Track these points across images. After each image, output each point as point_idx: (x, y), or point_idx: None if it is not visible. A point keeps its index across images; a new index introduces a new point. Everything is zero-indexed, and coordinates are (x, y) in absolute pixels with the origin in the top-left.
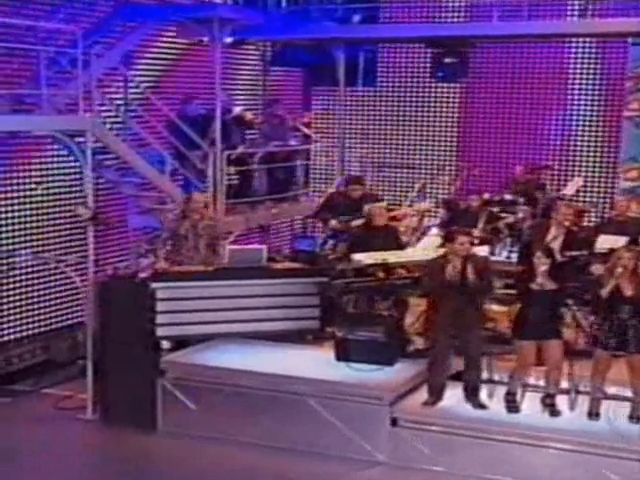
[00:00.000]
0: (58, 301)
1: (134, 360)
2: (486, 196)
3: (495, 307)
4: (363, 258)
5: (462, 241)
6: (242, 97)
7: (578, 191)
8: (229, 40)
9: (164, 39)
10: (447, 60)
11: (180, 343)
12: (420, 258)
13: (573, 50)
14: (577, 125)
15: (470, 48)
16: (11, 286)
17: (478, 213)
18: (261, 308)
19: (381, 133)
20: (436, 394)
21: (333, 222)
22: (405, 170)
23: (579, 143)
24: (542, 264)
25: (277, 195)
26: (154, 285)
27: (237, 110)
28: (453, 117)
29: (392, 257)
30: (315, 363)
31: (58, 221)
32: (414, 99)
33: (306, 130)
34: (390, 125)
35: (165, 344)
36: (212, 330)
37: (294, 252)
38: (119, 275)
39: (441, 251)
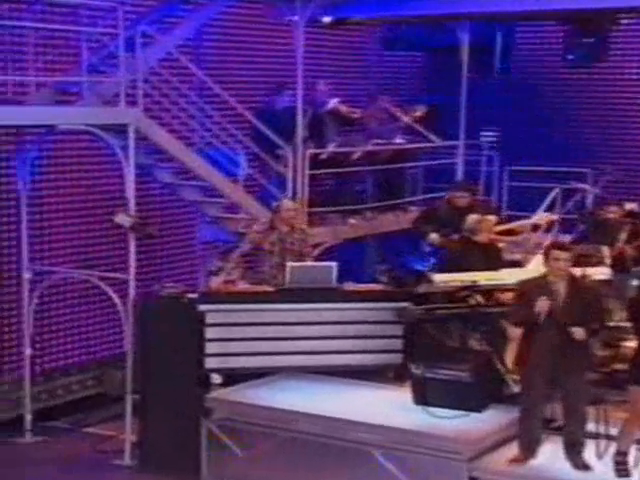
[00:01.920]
0: (111, 324)
1: (178, 396)
2: (630, 206)
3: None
4: (446, 279)
5: (556, 256)
6: (347, 87)
7: None
8: (327, 20)
9: (237, 18)
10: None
11: (232, 377)
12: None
13: None
14: None
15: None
16: (59, 307)
17: (618, 226)
18: (330, 338)
19: (512, 130)
20: (529, 449)
21: (433, 235)
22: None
23: None
24: None
25: (379, 203)
26: (203, 307)
27: (333, 103)
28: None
29: (483, 278)
30: (390, 406)
31: (107, 232)
32: (547, 87)
33: (417, 126)
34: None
35: (215, 378)
36: (271, 363)
37: (405, 272)
38: (162, 295)
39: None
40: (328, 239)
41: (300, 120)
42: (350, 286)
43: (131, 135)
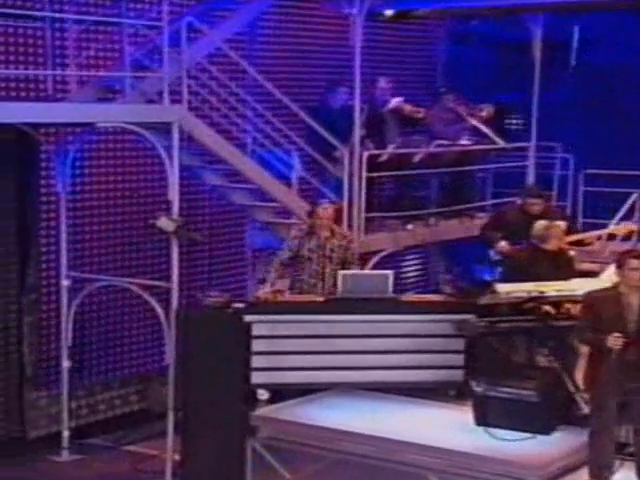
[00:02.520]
0: (155, 335)
1: (222, 413)
2: None
3: None
4: (512, 289)
5: (632, 266)
6: (409, 85)
7: None
8: (389, 13)
9: (291, 11)
10: None
11: (280, 393)
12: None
13: None
14: None
15: None
16: (100, 317)
17: None
18: (386, 352)
19: (588, 131)
20: (600, 476)
21: (502, 244)
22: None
23: None
24: None
25: (443, 209)
26: (249, 318)
27: (395, 101)
28: None
29: (551, 289)
30: (449, 427)
31: (150, 238)
32: (627, 84)
33: (483, 127)
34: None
35: (262, 394)
36: (321, 379)
37: (469, 283)
38: (206, 305)
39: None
40: (387, 246)
41: (357, 119)
42: (408, 296)
43: (175, 134)
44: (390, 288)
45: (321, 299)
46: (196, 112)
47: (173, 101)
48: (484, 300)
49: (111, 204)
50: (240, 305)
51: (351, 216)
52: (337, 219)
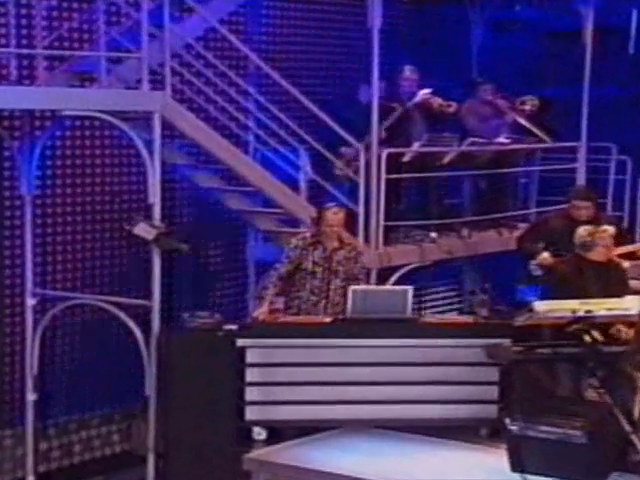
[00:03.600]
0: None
1: (211, 456)
2: None
3: None
4: (553, 308)
5: None
6: (439, 75)
7: None
8: None
9: None
10: None
11: (279, 432)
12: None
13: None
14: None
15: None
16: (72, 341)
17: None
18: (405, 383)
19: None
20: None
21: (544, 255)
22: None
23: None
24: None
25: (478, 217)
26: (242, 342)
27: (422, 94)
28: None
29: (600, 307)
30: (479, 473)
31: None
32: None
33: (526, 123)
34: None
35: (258, 433)
36: (328, 415)
37: (507, 302)
38: (193, 327)
39: None
40: (410, 261)
41: (375, 114)
42: (430, 317)
43: (156, 126)
44: (410, 307)
45: (327, 320)
46: (190, 105)
47: (155, 89)
48: (520, 321)
49: (85, 209)
50: (232, 327)
51: (367, 225)
52: (347, 226)
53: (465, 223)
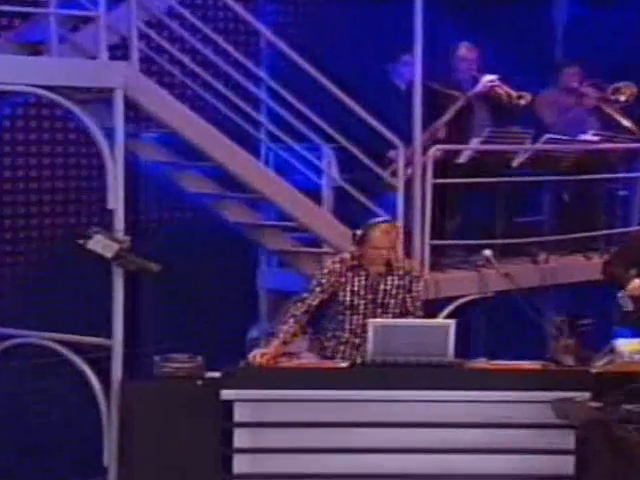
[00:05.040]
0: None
1: None
2: None
3: None
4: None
5: None
6: (507, 57)
7: None
8: None
9: None
10: None
11: None
12: None
13: None
14: None
15: None
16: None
17: None
18: (441, 451)
19: None
20: None
21: (636, 282)
22: None
23: None
24: None
25: (559, 237)
26: (228, 394)
27: (486, 81)
28: None
29: None
30: None
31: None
32: None
33: (621, 118)
34: None
35: None
36: None
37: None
38: (165, 373)
39: None
40: (468, 291)
41: (418, 102)
42: (479, 363)
43: (118, 108)
44: (452, 347)
45: (343, 365)
46: (182, 92)
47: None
48: (599, 366)
49: (30, 222)
50: (215, 375)
51: (408, 244)
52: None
53: (542, 244)
